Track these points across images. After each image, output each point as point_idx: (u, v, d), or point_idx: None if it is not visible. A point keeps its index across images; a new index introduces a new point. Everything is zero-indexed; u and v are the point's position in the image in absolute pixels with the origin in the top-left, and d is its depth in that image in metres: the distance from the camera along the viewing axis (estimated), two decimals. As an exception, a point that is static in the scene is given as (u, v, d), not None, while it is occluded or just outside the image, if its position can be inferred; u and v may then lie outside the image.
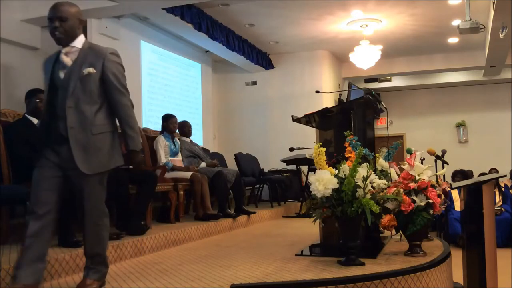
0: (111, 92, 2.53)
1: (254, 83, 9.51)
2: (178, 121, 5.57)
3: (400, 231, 3.43)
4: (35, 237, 2.36)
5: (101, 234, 2.58)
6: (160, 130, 5.46)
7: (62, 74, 2.47)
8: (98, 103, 2.50)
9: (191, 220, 5.07)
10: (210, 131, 8.94)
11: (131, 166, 2.66)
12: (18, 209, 3.80)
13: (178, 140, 5.52)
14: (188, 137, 5.87)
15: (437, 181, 3.85)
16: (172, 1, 5.82)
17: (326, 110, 3.83)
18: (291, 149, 7.51)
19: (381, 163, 3.95)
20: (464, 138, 11.78)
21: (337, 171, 3.00)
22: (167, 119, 5.38)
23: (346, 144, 3.19)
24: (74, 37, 2.55)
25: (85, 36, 6.40)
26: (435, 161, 4.96)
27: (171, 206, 4.84)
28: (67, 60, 2.50)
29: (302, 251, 3.64)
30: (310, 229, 4.12)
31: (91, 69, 2.47)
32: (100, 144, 2.49)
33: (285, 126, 8.61)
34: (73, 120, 2.41)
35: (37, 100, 3.70)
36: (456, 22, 7.12)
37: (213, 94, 9.25)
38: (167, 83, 7.62)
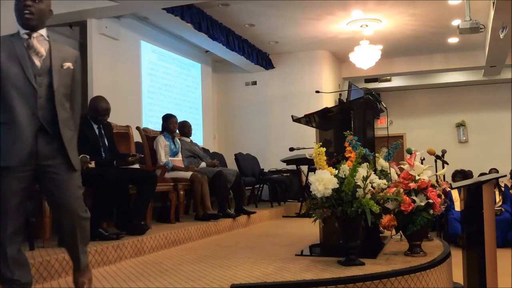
0: (75, 90, 2.46)
1: (254, 83, 9.51)
2: (178, 121, 5.57)
3: (400, 231, 3.43)
4: None
5: (87, 226, 2.49)
6: (160, 130, 5.46)
7: (38, 62, 2.30)
8: (69, 99, 2.43)
9: (191, 220, 5.07)
10: (210, 131, 8.94)
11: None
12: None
13: (178, 140, 5.52)
14: (188, 137, 5.87)
15: (437, 181, 3.84)
16: (172, 1, 5.83)
17: (326, 110, 3.83)
18: (291, 149, 7.51)
19: (381, 163, 3.95)
20: (464, 138, 11.78)
21: (337, 171, 3.00)
22: (167, 119, 5.38)
23: (346, 144, 3.19)
24: (42, 24, 2.38)
25: (85, 36, 6.41)
26: (435, 161, 4.96)
27: (171, 206, 4.84)
28: (41, 49, 2.33)
29: (302, 251, 3.64)
30: (310, 229, 4.12)
31: (70, 64, 2.39)
32: (75, 140, 2.45)
33: (285, 126, 8.61)
34: (61, 116, 2.31)
35: None
36: (456, 22, 7.12)
37: (213, 94, 9.25)
38: (167, 83, 7.62)
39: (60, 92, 2.33)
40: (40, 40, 2.35)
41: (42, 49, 2.33)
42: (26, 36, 2.33)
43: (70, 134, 2.37)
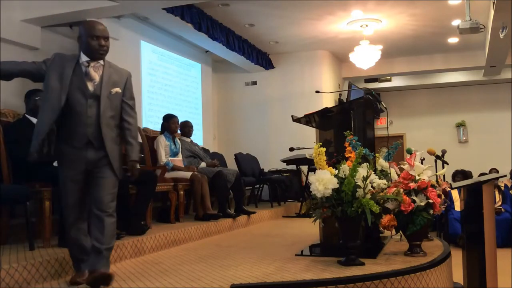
0: (126, 109, 2.85)
1: (254, 83, 9.51)
2: (179, 121, 5.57)
3: (400, 231, 3.43)
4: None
5: (113, 227, 2.76)
6: (160, 130, 5.46)
7: (91, 86, 2.73)
8: (118, 118, 2.83)
9: (191, 220, 5.07)
10: (210, 131, 8.94)
11: (128, 174, 2.90)
12: (18, 209, 3.80)
13: (178, 140, 5.52)
14: (189, 137, 5.87)
15: (437, 181, 3.85)
16: (172, 1, 5.82)
17: (326, 110, 3.83)
18: (291, 149, 7.51)
19: (381, 163, 3.95)
20: (464, 138, 11.78)
21: (337, 171, 3.00)
22: (169, 119, 5.38)
23: (346, 144, 3.19)
24: None
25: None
26: (435, 161, 4.96)
27: (171, 206, 4.84)
28: (95, 74, 2.77)
29: (302, 251, 3.64)
30: (310, 229, 4.12)
31: (118, 89, 2.81)
32: (119, 154, 2.83)
33: (285, 126, 8.61)
34: (106, 134, 2.73)
35: (37, 98, 3.70)
36: (456, 22, 7.12)
37: (213, 94, 9.25)
38: (167, 83, 7.62)
39: (107, 114, 2.75)
40: (96, 67, 2.79)
41: (96, 75, 2.77)
42: (86, 64, 2.77)
43: (115, 148, 2.78)
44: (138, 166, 2.90)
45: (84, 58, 2.78)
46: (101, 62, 2.82)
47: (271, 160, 8.70)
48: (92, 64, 2.78)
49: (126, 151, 2.83)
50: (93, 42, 2.76)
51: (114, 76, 2.83)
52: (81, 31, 2.80)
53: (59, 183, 2.78)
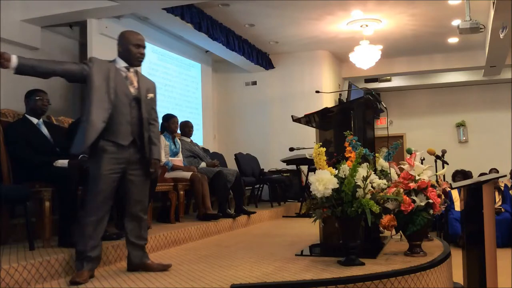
0: (153, 114, 3.17)
1: (254, 83, 9.51)
2: (179, 121, 5.57)
3: (400, 231, 3.43)
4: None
5: (145, 225, 3.16)
6: (160, 130, 5.45)
7: (132, 90, 3.02)
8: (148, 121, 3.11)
9: (191, 220, 5.07)
10: (210, 131, 8.94)
11: (152, 170, 3.11)
12: (18, 209, 3.80)
13: (178, 140, 5.52)
14: (189, 137, 5.87)
15: (437, 181, 3.85)
16: (172, 1, 5.82)
17: (326, 110, 3.83)
18: (291, 149, 7.51)
19: (381, 163, 3.95)
20: (464, 138, 11.78)
21: (337, 171, 3.00)
22: (169, 119, 5.38)
23: (346, 144, 3.19)
24: None
25: (85, 36, 6.41)
26: (435, 161, 4.96)
27: (171, 206, 4.84)
28: (133, 79, 3.06)
29: (302, 251, 3.64)
30: (310, 229, 4.12)
31: (152, 95, 3.15)
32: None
33: (285, 126, 8.61)
34: (145, 133, 3.03)
35: (37, 98, 3.69)
36: (456, 22, 7.12)
37: (213, 94, 9.25)
38: (167, 83, 7.62)
39: (145, 116, 3.04)
40: (133, 73, 3.08)
41: (134, 80, 3.06)
42: (124, 69, 3.04)
43: (148, 148, 3.05)
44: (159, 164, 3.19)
45: (122, 63, 3.05)
46: (135, 69, 3.10)
47: (271, 160, 8.70)
48: (131, 70, 3.06)
49: (150, 151, 3.06)
50: (134, 49, 3.04)
51: (146, 83, 3.14)
52: (122, 39, 3.08)
53: (91, 178, 2.89)
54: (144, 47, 3.09)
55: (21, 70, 2.69)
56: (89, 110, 2.86)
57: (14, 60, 2.64)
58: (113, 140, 2.90)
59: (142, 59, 3.09)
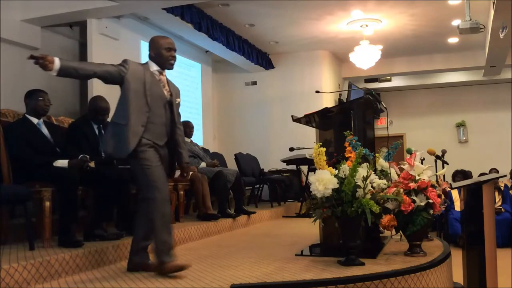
0: (178, 118, 3.23)
1: (254, 83, 9.51)
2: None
3: (400, 231, 3.43)
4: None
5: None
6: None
7: (165, 93, 3.10)
8: None
9: (191, 220, 5.07)
10: (210, 131, 8.93)
11: (185, 174, 3.29)
12: (18, 209, 3.80)
13: (178, 140, 5.51)
14: (189, 138, 5.87)
15: (437, 181, 3.85)
16: (172, 1, 5.83)
17: (326, 110, 3.83)
18: (291, 149, 7.51)
19: (381, 163, 3.95)
20: (464, 138, 11.77)
21: (337, 171, 3.00)
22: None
23: (346, 144, 3.19)
24: None
25: (85, 36, 6.42)
26: (435, 161, 4.97)
27: (171, 206, 4.83)
28: (165, 83, 3.15)
29: (302, 251, 3.64)
30: (310, 229, 4.12)
31: (179, 100, 3.25)
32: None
33: (285, 126, 8.61)
34: (180, 135, 3.19)
35: (40, 99, 3.69)
36: (456, 22, 7.12)
37: (213, 94, 9.25)
38: (167, 83, 7.61)
39: (177, 118, 3.16)
40: (164, 77, 3.16)
41: (166, 84, 3.14)
42: (157, 73, 3.12)
43: (182, 152, 3.21)
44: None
45: (154, 67, 3.12)
46: (165, 73, 3.17)
47: (271, 160, 8.69)
48: (163, 73, 3.15)
49: (180, 154, 3.19)
50: (166, 53, 3.11)
51: (174, 87, 3.22)
52: (153, 44, 3.14)
53: (144, 175, 2.92)
54: (175, 50, 3.15)
55: (63, 72, 2.72)
56: (127, 114, 2.92)
57: (57, 62, 2.66)
58: (150, 139, 2.98)
59: (174, 62, 3.16)
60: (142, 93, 2.98)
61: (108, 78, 2.96)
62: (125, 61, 3.04)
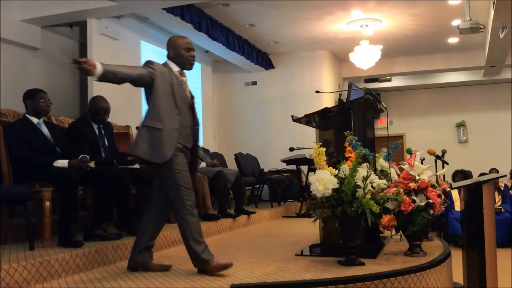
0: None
1: (254, 83, 9.51)
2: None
3: (400, 231, 3.43)
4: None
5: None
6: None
7: (188, 95, 3.08)
8: None
9: (191, 220, 5.06)
10: (210, 131, 8.94)
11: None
12: (18, 209, 3.80)
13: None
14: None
15: (437, 181, 3.85)
16: (172, 1, 5.83)
17: (326, 110, 3.83)
18: (291, 149, 7.51)
19: (381, 163, 3.95)
20: (464, 138, 11.78)
21: (337, 171, 3.00)
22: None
23: (346, 144, 3.19)
24: None
25: (85, 36, 6.42)
26: (435, 161, 4.97)
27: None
28: (187, 84, 3.11)
29: (302, 251, 3.64)
30: (310, 229, 4.12)
31: (194, 101, 3.16)
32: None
33: (285, 126, 8.61)
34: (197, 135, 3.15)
35: (41, 100, 3.68)
36: (456, 22, 7.12)
37: (213, 94, 9.25)
38: (167, 83, 7.61)
39: (197, 120, 3.11)
40: (185, 78, 3.11)
41: (187, 85, 3.10)
42: (178, 74, 3.07)
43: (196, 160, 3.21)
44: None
45: (175, 68, 3.07)
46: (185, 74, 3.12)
47: (271, 160, 8.69)
48: (183, 74, 3.11)
49: (195, 161, 3.18)
50: (186, 53, 3.06)
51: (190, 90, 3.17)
52: (172, 44, 3.10)
53: (176, 179, 2.90)
54: (194, 49, 3.10)
55: (104, 77, 2.70)
56: (161, 117, 2.90)
57: (99, 67, 2.65)
58: (181, 143, 2.96)
59: (194, 62, 3.11)
60: (171, 95, 2.95)
61: (140, 81, 2.93)
62: (151, 62, 3.00)
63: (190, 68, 3.11)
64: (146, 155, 2.91)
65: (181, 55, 3.06)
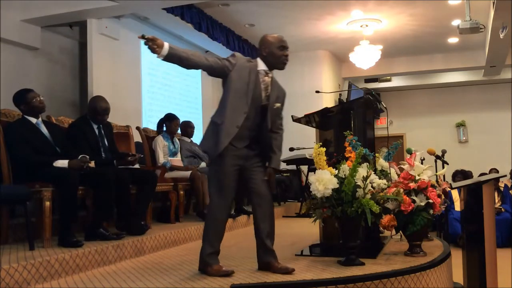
0: (278, 124, 3.06)
1: (254, 83, 9.48)
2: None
3: (400, 231, 3.43)
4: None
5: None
6: (157, 128, 5.44)
7: (263, 96, 2.93)
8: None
9: (191, 220, 5.07)
10: (210, 131, 8.91)
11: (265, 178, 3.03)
12: (18, 209, 3.80)
13: (177, 140, 5.52)
14: (189, 138, 5.86)
15: (437, 181, 3.85)
16: (172, 1, 5.83)
17: (326, 110, 3.83)
18: (291, 149, 7.49)
19: (381, 163, 3.95)
20: (464, 138, 11.78)
21: (337, 171, 3.00)
22: (171, 119, 5.37)
23: (346, 144, 3.19)
24: None
25: (85, 36, 6.42)
26: (435, 161, 4.96)
27: (171, 206, 4.84)
28: (268, 85, 2.97)
29: (302, 251, 3.64)
30: (310, 229, 4.12)
31: (279, 105, 3.01)
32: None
33: (285, 126, 8.56)
34: (266, 140, 2.98)
35: (33, 100, 3.66)
36: (456, 22, 7.12)
37: (213, 94, 9.23)
38: (167, 83, 7.61)
39: (268, 125, 2.94)
40: (270, 78, 2.99)
41: (269, 86, 2.97)
42: (263, 73, 2.95)
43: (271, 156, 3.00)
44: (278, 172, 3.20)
45: (263, 66, 2.96)
46: (272, 73, 2.99)
47: (271, 160, 8.67)
48: (270, 74, 2.97)
49: (270, 158, 2.99)
50: (279, 52, 2.93)
51: (277, 91, 3.02)
52: (265, 43, 2.94)
53: (214, 176, 2.95)
54: (287, 48, 2.97)
55: (168, 59, 2.75)
56: (224, 112, 2.85)
57: (165, 48, 2.69)
58: (231, 142, 2.86)
59: (287, 62, 2.99)
60: (243, 93, 2.86)
61: (211, 72, 2.89)
62: (233, 56, 2.92)
63: (282, 67, 3.00)
64: (207, 149, 2.98)
65: (274, 55, 2.94)
